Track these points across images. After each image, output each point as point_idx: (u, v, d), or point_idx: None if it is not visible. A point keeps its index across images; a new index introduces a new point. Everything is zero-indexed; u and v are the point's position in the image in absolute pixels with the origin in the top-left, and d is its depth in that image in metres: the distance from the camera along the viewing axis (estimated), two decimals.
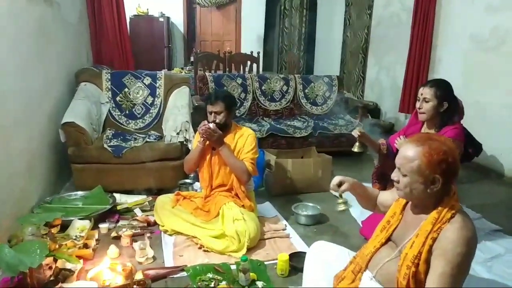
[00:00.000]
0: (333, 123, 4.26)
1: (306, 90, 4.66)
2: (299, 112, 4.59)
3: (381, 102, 5.60)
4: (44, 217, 2.01)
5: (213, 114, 2.40)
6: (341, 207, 1.68)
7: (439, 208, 1.40)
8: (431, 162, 1.35)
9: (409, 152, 1.41)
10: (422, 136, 1.47)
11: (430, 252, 1.37)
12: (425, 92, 2.18)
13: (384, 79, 5.52)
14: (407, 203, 1.57)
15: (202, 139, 2.40)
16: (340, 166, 3.52)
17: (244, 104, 4.38)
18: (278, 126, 4.05)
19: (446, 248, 1.33)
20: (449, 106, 2.17)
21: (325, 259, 1.74)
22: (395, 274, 1.43)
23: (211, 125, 2.34)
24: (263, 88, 4.50)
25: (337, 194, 1.69)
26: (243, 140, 2.47)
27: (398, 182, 1.45)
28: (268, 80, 4.55)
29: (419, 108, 2.22)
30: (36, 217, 2.03)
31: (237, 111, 4.33)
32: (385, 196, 1.74)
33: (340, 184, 1.68)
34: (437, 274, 1.33)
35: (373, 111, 5.72)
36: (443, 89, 2.17)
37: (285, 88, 4.58)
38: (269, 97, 4.52)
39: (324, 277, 1.68)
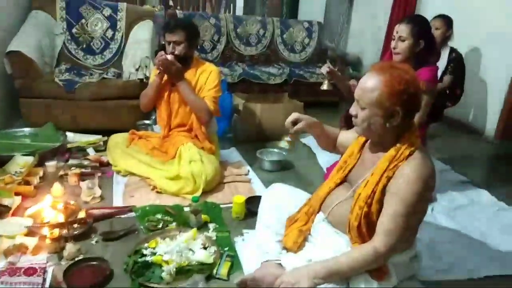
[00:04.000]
0: (310, 71, 4.07)
1: (284, 36, 4.41)
2: (275, 58, 4.37)
3: (364, 55, 5.39)
4: None
5: (171, 44, 2.16)
6: (284, 145, 1.55)
7: (398, 145, 1.29)
8: (391, 92, 1.22)
9: (369, 82, 1.26)
10: (384, 64, 1.32)
11: (383, 192, 1.28)
12: (401, 29, 2.00)
13: (368, 29, 5.26)
14: (366, 141, 1.45)
15: (159, 72, 2.19)
16: (314, 113, 3.36)
17: (217, 47, 4.12)
18: (251, 71, 3.84)
19: (400, 186, 1.24)
20: (425, 45, 2.00)
21: (280, 201, 1.64)
22: (347, 216, 1.34)
23: (169, 57, 2.12)
24: (238, 30, 4.22)
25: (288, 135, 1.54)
26: (205, 76, 2.26)
27: (356, 116, 1.32)
28: (244, 22, 4.26)
29: (394, 48, 2.04)
30: None
31: (210, 54, 4.09)
32: (346, 135, 1.61)
33: (295, 122, 1.52)
34: (388, 214, 1.25)
35: (355, 64, 5.53)
36: (420, 26, 1.99)
37: (262, 32, 4.32)
38: (245, 40, 4.26)
39: (277, 219, 1.59)
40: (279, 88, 3.85)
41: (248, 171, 2.49)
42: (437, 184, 2.51)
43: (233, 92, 3.42)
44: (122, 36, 3.15)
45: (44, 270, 1.31)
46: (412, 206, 1.23)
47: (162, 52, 2.14)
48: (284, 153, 2.62)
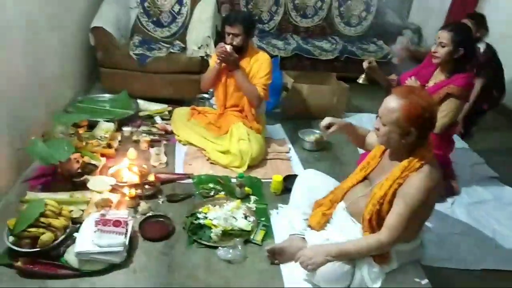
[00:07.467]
0: (362, 47, 4.14)
1: (342, 8, 4.44)
2: (330, 31, 4.44)
3: (425, 26, 5.20)
4: (73, 118, 2.30)
5: (230, 35, 2.44)
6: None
7: (411, 157, 1.53)
8: (408, 116, 1.46)
9: (391, 104, 1.50)
10: (405, 89, 1.55)
11: (394, 195, 1.54)
12: (442, 36, 2.11)
13: None
14: (386, 148, 1.69)
15: (219, 60, 2.49)
16: (360, 94, 3.54)
17: (274, 18, 4.29)
18: (304, 46, 3.99)
19: (407, 192, 1.50)
20: (464, 53, 2.11)
21: (310, 186, 1.95)
22: (362, 209, 1.63)
23: (228, 48, 2.39)
24: (296, 2, 4.32)
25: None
26: (258, 65, 2.53)
27: (378, 129, 1.57)
28: None
29: (434, 52, 2.17)
30: (66, 117, 2.32)
31: (266, 25, 4.27)
32: (373, 137, 1.85)
33: (329, 126, 1.79)
34: (394, 214, 1.53)
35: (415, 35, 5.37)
36: (462, 34, 2.10)
37: (319, 3, 4.38)
38: (301, 12, 4.36)
39: (306, 201, 1.92)
40: (329, 64, 4.00)
41: (290, 149, 2.79)
42: (466, 178, 2.69)
43: (285, 65, 3.66)
44: (187, 11, 3.44)
45: (126, 223, 1.77)
46: (414, 210, 1.50)
47: (222, 44, 2.42)
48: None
